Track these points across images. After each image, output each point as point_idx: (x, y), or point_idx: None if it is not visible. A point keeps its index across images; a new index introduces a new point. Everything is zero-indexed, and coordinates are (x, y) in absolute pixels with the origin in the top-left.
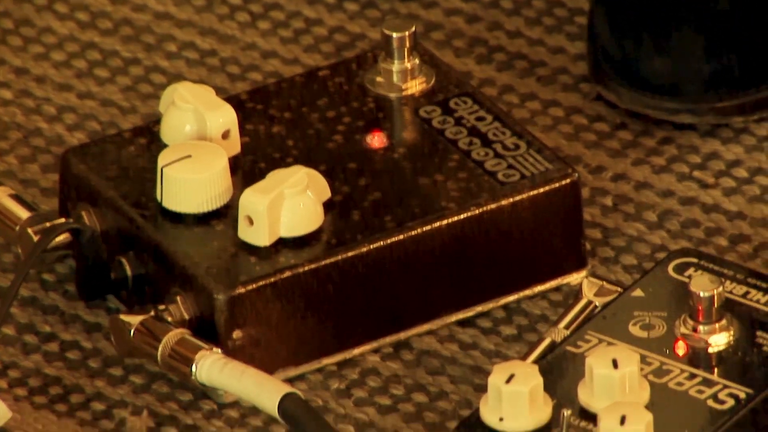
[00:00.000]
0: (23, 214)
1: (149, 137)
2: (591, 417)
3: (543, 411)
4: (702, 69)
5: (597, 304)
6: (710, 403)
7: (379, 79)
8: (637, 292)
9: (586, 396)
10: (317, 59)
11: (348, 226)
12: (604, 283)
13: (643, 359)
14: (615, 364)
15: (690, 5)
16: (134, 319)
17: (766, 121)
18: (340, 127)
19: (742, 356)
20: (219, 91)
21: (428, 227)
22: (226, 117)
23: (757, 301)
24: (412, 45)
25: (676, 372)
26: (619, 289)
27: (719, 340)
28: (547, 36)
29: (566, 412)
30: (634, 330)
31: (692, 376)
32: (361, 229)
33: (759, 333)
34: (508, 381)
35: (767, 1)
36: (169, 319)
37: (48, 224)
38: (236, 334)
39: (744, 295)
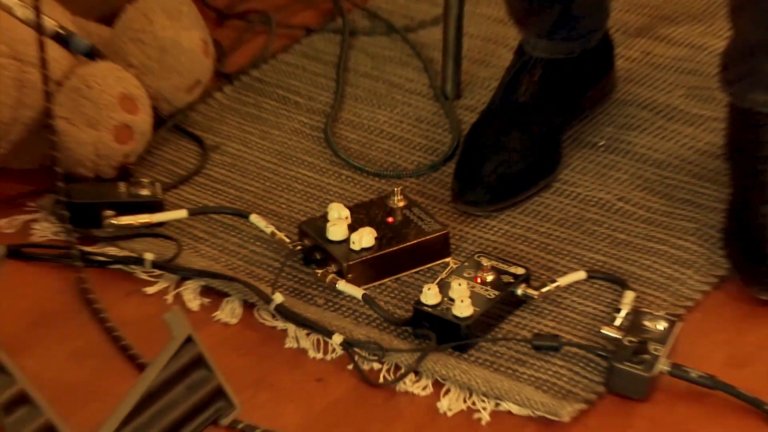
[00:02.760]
0: (287, 240)
1: (323, 219)
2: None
3: (438, 298)
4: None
5: (453, 266)
6: (488, 296)
7: (391, 202)
8: (466, 264)
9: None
10: (375, 193)
11: (382, 244)
12: (455, 260)
13: (467, 282)
14: (459, 284)
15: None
16: (320, 272)
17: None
18: (380, 217)
19: (497, 282)
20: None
21: (406, 245)
22: (345, 212)
23: (502, 271)
24: (401, 197)
25: (479, 288)
26: (460, 263)
27: (488, 278)
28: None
29: (446, 298)
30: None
31: (484, 289)
32: (385, 245)
33: (502, 276)
34: (428, 290)
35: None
36: (330, 271)
37: (293, 245)
38: (349, 276)
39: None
